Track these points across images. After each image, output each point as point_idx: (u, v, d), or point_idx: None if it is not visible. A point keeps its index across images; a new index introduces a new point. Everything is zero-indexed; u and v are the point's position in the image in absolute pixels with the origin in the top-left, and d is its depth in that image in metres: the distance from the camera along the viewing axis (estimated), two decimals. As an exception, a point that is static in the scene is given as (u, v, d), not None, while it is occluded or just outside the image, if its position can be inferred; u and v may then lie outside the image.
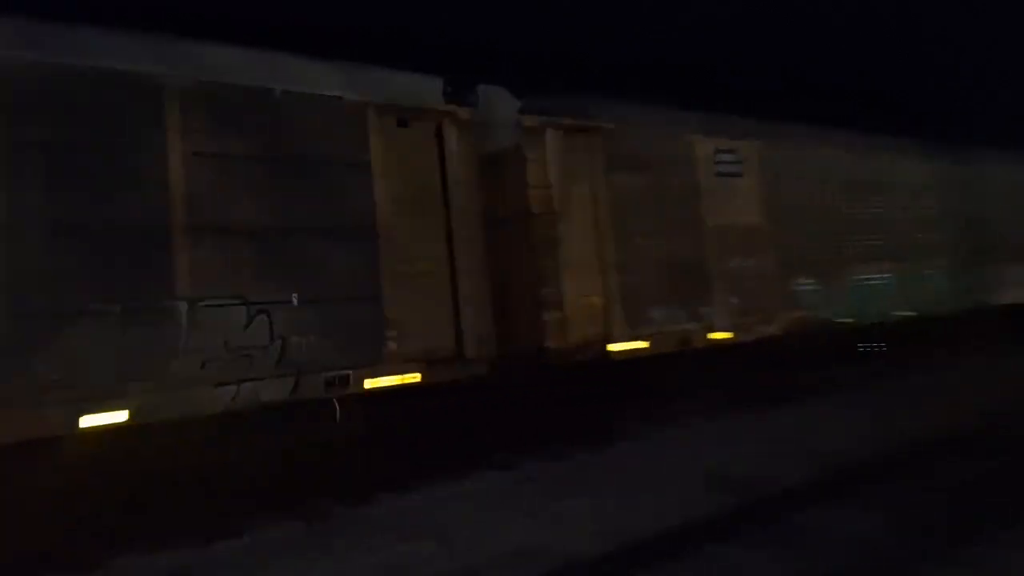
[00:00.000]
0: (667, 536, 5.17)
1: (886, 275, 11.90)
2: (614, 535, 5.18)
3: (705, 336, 9.30)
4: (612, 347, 8.38)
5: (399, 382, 6.81)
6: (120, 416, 5.56)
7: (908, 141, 12.86)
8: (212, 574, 5.17)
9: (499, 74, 8.56)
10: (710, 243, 9.51)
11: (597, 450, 7.60)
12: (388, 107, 7.06)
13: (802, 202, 10.88)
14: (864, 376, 11.09)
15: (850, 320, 11.20)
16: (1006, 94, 15.61)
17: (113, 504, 5.77)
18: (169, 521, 5.79)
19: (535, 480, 6.81)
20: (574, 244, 8.22)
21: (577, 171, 8.42)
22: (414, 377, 6.96)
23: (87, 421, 5.37)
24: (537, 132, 8.13)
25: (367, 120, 6.91)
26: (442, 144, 7.39)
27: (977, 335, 13.34)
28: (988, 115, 13.59)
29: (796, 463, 6.72)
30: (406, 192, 7.10)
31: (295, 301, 6.26)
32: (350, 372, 6.52)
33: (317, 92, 6.70)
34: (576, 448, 7.59)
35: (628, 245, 8.65)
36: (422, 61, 7.87)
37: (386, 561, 5.06)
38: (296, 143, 6.47)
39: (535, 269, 7.95)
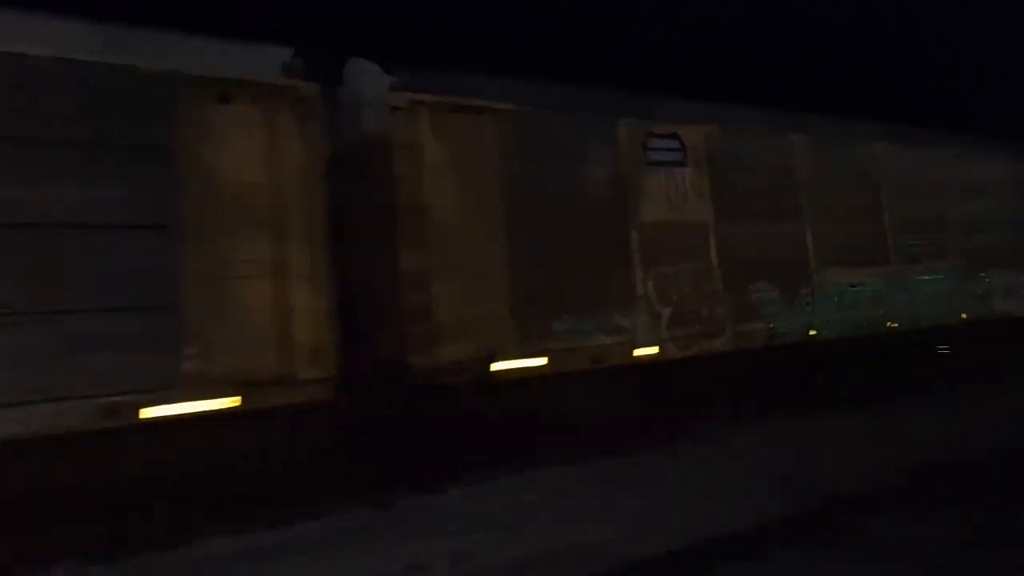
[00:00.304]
0: (734, 538, 5.12)
1: (878, 280, 10.40)
2: (681, 535, 5.14)
3: (627, 352, 7.99)
4: (497, 366, 7.15)
5: (203, 410, 5.70)
6: None
7: (903, 128, 11.27)
8: (288, 556, 5.20)
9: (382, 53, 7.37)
10: (637, 242, 8.20)
11: (661, 450, 7.59)
12: (203, 80, 5.95)
13: (765, 197, 9.47)
14: (911, 384, 10.10)
15: (830, 332, 9.75)
16: (1006, 94, 14.18)
17: (188, 489, 5.69)
18: (239, 506, 5.77)
19: (599, 477, 6.76)
20: (453, 244, 7.00)
21: (464, 159, 7.20)
22: (231, 402, 5.84)
23: None
24: (410, 113, 6.93)
25: (174, 95, 5.81)
26: (279, 125, 6.25)
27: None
28: (988, 115, 12.18)
29: (863, 468, 6.69)
30: (226, 181, 5.98)
31: (55, 310, 5.20)
32: (132, 397, 5.43)
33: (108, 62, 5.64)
34: (640, 447, 7.57)
35: (526, 245, 7.41)
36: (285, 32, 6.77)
37: (452, 549, 5.09)
38: (68, 119, 5.39)
39: (400, 273, 6.75)
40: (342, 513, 5.96)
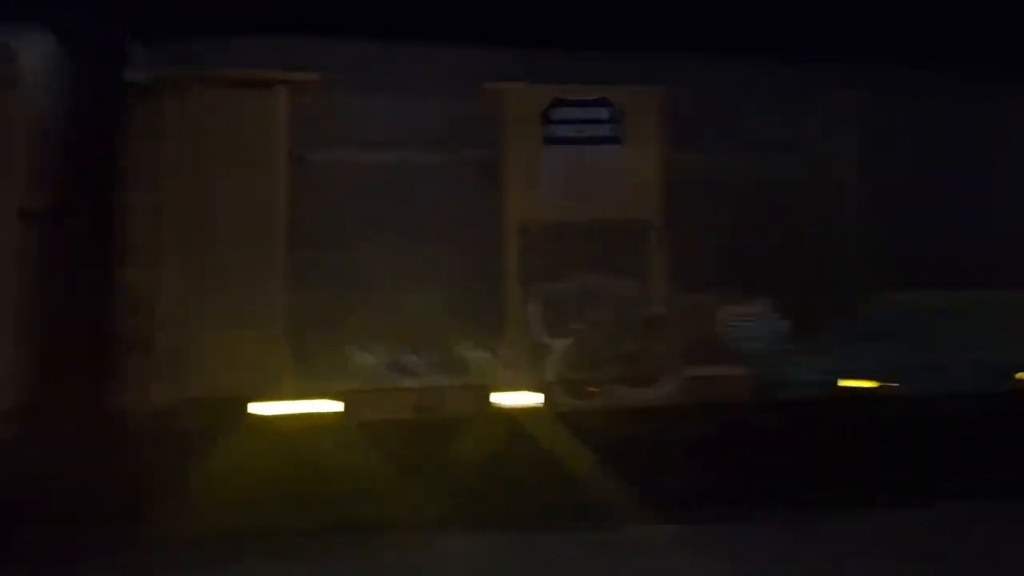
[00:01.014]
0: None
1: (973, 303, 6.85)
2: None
3: (480, 398, 5.82)
4: (260, 409, 5.46)
5: None
6: None
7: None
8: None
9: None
10: (514, 249, 5.99)
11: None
12: None
13: (774, 186, 6.58)
14: None
15: (882, 382, 6.54)
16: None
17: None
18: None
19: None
20: (201, 250, 5.50)
21: (234, 144, 5.67)
22: None
23: None
24: (150, 93, 5.56)
25: None
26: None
27: None
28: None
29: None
30: None
31: None
32: None
33: None
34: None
35: (327, 249, 5.67)
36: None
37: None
38: None
39: (117, 289, 5.38)
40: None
